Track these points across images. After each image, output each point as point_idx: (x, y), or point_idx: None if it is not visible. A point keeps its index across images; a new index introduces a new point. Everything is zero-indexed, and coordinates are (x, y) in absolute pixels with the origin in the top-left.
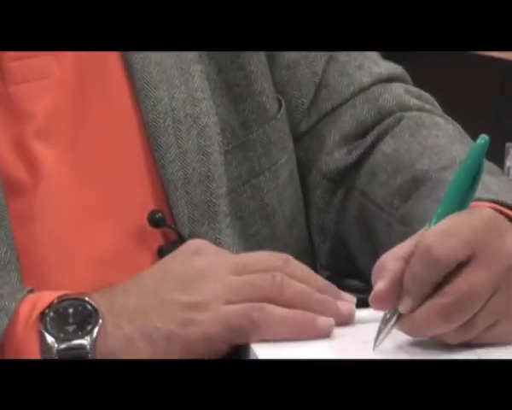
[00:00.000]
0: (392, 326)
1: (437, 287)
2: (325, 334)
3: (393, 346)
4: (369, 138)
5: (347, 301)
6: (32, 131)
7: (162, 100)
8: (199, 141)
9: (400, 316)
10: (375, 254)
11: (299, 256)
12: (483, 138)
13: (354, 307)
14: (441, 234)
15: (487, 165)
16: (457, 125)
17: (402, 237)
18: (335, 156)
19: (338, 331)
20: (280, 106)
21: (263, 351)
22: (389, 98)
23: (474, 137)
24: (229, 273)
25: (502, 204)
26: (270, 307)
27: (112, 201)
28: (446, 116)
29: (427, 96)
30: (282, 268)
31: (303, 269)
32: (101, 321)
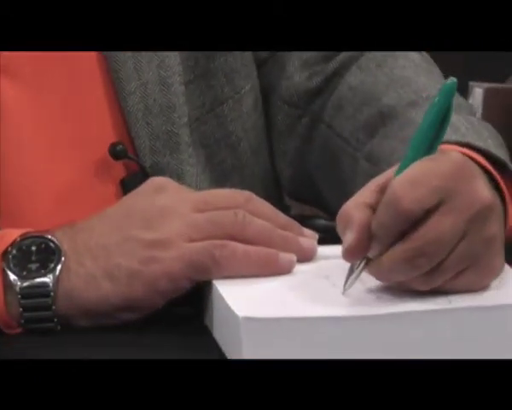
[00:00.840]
0: (362, 270)
1: (405, 233)
2: (287, 270)
3: (363, 289)
4: (332, 65)
5: (309, 237)
6: None
7: None
8: (159, 72)
9: (369, 260)
10: (340, 186)
11: (265, 184)
12: (451, 80)
13: (316, 243)
14: (408, 183)
15: (456, 100)
16: (423, 52)
17: (367, 174)
18: (295, 80)
19: (300, 268)
20: None
21: (225, 288)
22: None
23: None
24: (191, 211)
25: (469, 146)
26: (233, 244)
27: (73, 134)
28: None
29: None
30: (244, 205)
31: (265, 206)
32: (63, 259)
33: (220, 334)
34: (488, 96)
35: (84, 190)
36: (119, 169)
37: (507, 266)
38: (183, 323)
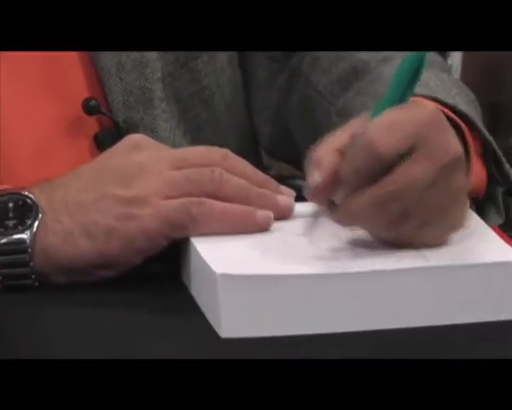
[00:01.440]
0: (328, 216)
1: (375, 178)
2: (264, 227)
3: (340, 246)
4: None
5: (287, 195)
6: None
7: None
8: None
9: (334, 206)
10: (316, 141)
11: (240, 139)
12: None
13: (293, 201)
14: (384, 128)
15: (430, 57)
16: None
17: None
18: None
19: (277, 225)
20: None
21: (202, 245)
22: None
23: None
24: (168, 168)
25: (437, 101)
26: (210, 201)
27: (47, 90)
28: None
29: None
30: (221, 163)
31: (242, 164)
32: (40, 216)
33: (197, 291)
34: (467, 56)
35: (58, 146)
36: (92, 125)
37: (483, 222)
38: (160, 280)
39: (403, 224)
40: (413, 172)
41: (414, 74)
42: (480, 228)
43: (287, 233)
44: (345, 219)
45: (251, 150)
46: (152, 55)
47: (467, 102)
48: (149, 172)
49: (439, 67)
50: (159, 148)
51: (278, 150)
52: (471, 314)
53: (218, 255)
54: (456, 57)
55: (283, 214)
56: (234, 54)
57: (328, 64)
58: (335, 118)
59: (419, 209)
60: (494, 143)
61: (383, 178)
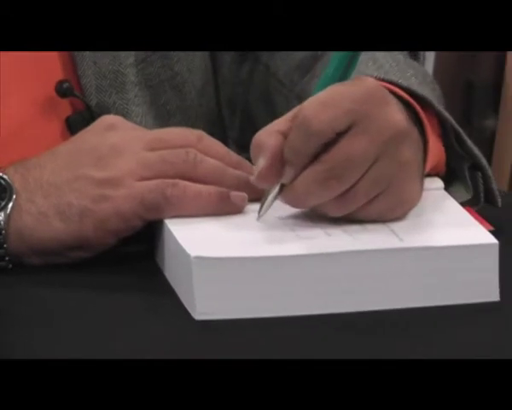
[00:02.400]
0: (276, 197)
1: (316, 157)
2: (239, 209)
3: (313, 227)
4: None
5: None
6: None
7: None
8: None
9: (283, 187)
10: None
11: (210, 126)
12: None
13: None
14: (320, 104)
15: None
16: None
17: None
18: None
19: (251, 207)
20: None
21: (176, 227)
22: None
23: None
24: (142, 149)
25: (392, 83)
26: (184, 183)
27: (21, 72)
28: None
29: None
30: (195, 144)
31: (217, 145)
32: (15, 197)
33: (171, 273)
34: None
35: (30, 128)
36: (65, 107)
37: (457, 203)
38: (135, 261)
39: (348, 200)
40: (352, 148)
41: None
42: (453, 209)
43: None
44: (292, 200)
45: (219, 138)
46: None
47: (423, 83)
48: (123, 153)
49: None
50: (133, 128)
51: (246, 141)
52: (446, 296)
53: (193, 238)
54: None
55: (257, 196)
56: None
57: (287, 51)
58: (294, 102)
59: (362, 185)
60: (453, 121)
61: (322, 156)
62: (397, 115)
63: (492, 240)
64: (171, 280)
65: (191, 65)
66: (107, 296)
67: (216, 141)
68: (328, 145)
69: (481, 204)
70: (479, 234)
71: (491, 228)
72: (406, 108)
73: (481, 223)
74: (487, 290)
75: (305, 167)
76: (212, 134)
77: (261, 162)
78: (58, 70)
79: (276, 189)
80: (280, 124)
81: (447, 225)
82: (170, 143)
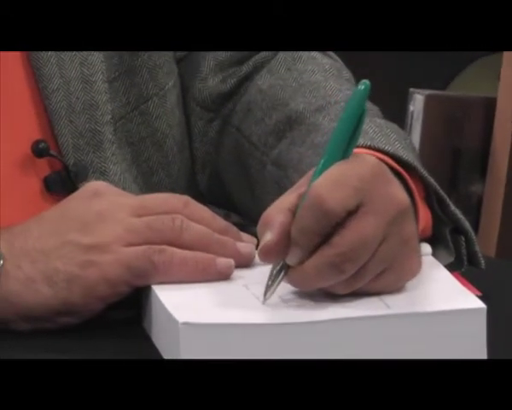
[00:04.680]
0: (282, 279)
1: (326, 237)
2: (225, 275)
3: (300, 295)
4: (245, 68)
5: (248, 242)
6: None
7: None
8: (82, 69)
9: (289, 268)
10: (249, 191)
11: (190, 181)
12: (364, 83)
13: (254, 248)
14: (331, 183)
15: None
16: (336, 57)
17: (274, 179)
18: (209, 83)
19: (239, 273)
20: None
21: (164, 293)
22: None
23: (379, 84)
24: (128, 215)
25: (379, 150)
26: (171, 249)
27: None
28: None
29: None
30: (181, 210)
31: (203, 211)
32: (1, 262)
33: (159, 339)
34: (429, 103)
35: (8, 188)
36: (42, 167)
37: (443, 268)
38: (123, 327)
39: (357, 280)
40: (363, 229)
41: (356, 125)
42: (441, 275)
43: (249, 281)
44: (301, 283)
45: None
46: (102, 98)
47: (405, 147)
48: (110, 220)
49: (375, 114)
50: (119, 194)
51: (215, 198)
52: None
53: (180, 303)
54: (417, 104)
55: (244, 262)
56: (180, 95)
57: (261, 115)
58: (270, 168)
59: (371, 265)
60: (436, 186)
61: (334, 238)
62: (400, 193)
63: (480, 305)
64: (158, 345)
65: (170, 120)
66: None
67: (202, 206)
68: (337, 226)
69: (464, 267)
70: (466, 299)
71: (479, 293)
72: (396, 177)
73: (469, 288)
74: (475, 355)
75: (313, 249)
76: (191, 188)
77: (268, 237)
78: (35, 129)
79: (283, 271)
80: (289, 201)
81: (434, 291)
82: (156, 210)
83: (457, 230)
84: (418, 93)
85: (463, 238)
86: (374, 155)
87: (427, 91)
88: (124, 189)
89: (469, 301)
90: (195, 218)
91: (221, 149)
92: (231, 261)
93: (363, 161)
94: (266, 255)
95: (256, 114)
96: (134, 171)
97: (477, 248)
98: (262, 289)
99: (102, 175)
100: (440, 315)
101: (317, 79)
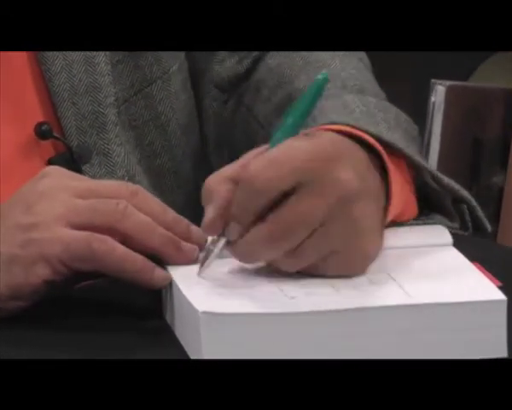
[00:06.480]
0: (221, 250)
1: (264, 214)
2: (158, 286)
3: (303, 291)
4: None
5: (196, 237)
6: None
7: None
8: (85, 51)
9: (232, 243)
10: None
11: (195, 164)
12: (323, 75)
13: (197, 250)
14: (267, 163)
15: (362, 83)
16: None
17: None
18: (227, 64)
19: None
20: None
21: (185, 283)
22: None
23: (401, 75)
24: (72, 196)
25: (359, 129)
26: (113, 242)
27: (1, 114)
28: None
29: None
30: (129, 198)
31: (153, 202)
32: None
33: (180, 330)
34: (450, 93)
35: (12, 170)
36: (46, 149)
37: (464, 258)
38: (144, 319)
39: (297, 256)
40: (298, 207)
41: (312, 101)
42: (462, 265)
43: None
44: (240, 257)
45: (204, 172)
46: (105, 80)
47: (394, 127)
48: (52, 199)
49: (372, 93)
50: (67, 177)
51: None
52: (452, 352)
53: (200, 293)
54: (439, 95)
55: (185, 260)
56: (187, 79)
57: (268, 93)
58: None
59: (312, 244)
60: (425, 163)
61: (269, 216)
62: (345, 174)
63: (501, 296)
64: (180, 337)
65: (175, 104)
66: (114, 356)
67: (153, 198)
68: (275, 203)
69: (470, 231)
70: (487, 290)
71: (500, 284)
72: (374, 155)
73: (489, 279)
74: (495, 346)
75: (251, 224)
76: (196, 173)
77: (209, 212)
78: (38, 112)
79: (222, 243)
80: (231, 170)
81: (455, 281)
82: (102, 194)
83: (458, 200)
84: (440, 84)
85: (465, 206)
86: (354, 133)
87: (449, 82)
88: (128, 170)
89: (490, 292)
90: (143, 208)
91: (234, 130)
92: (168, 275)
93: (311, 139)
94: (209, 231)
95: (263, 93)
96: (137, 154)
97: (480, 213)
98: (289, 287)
99: (106, 157)
100: (460, 306)
101: (324, 58)
